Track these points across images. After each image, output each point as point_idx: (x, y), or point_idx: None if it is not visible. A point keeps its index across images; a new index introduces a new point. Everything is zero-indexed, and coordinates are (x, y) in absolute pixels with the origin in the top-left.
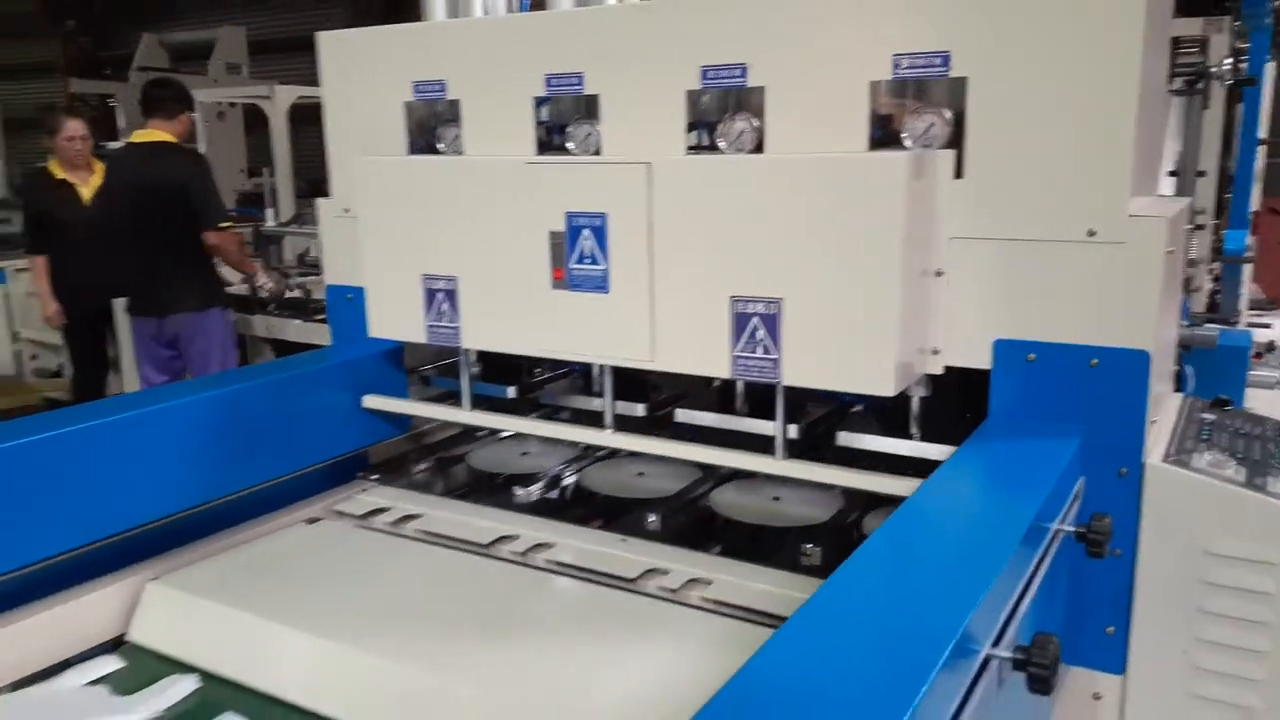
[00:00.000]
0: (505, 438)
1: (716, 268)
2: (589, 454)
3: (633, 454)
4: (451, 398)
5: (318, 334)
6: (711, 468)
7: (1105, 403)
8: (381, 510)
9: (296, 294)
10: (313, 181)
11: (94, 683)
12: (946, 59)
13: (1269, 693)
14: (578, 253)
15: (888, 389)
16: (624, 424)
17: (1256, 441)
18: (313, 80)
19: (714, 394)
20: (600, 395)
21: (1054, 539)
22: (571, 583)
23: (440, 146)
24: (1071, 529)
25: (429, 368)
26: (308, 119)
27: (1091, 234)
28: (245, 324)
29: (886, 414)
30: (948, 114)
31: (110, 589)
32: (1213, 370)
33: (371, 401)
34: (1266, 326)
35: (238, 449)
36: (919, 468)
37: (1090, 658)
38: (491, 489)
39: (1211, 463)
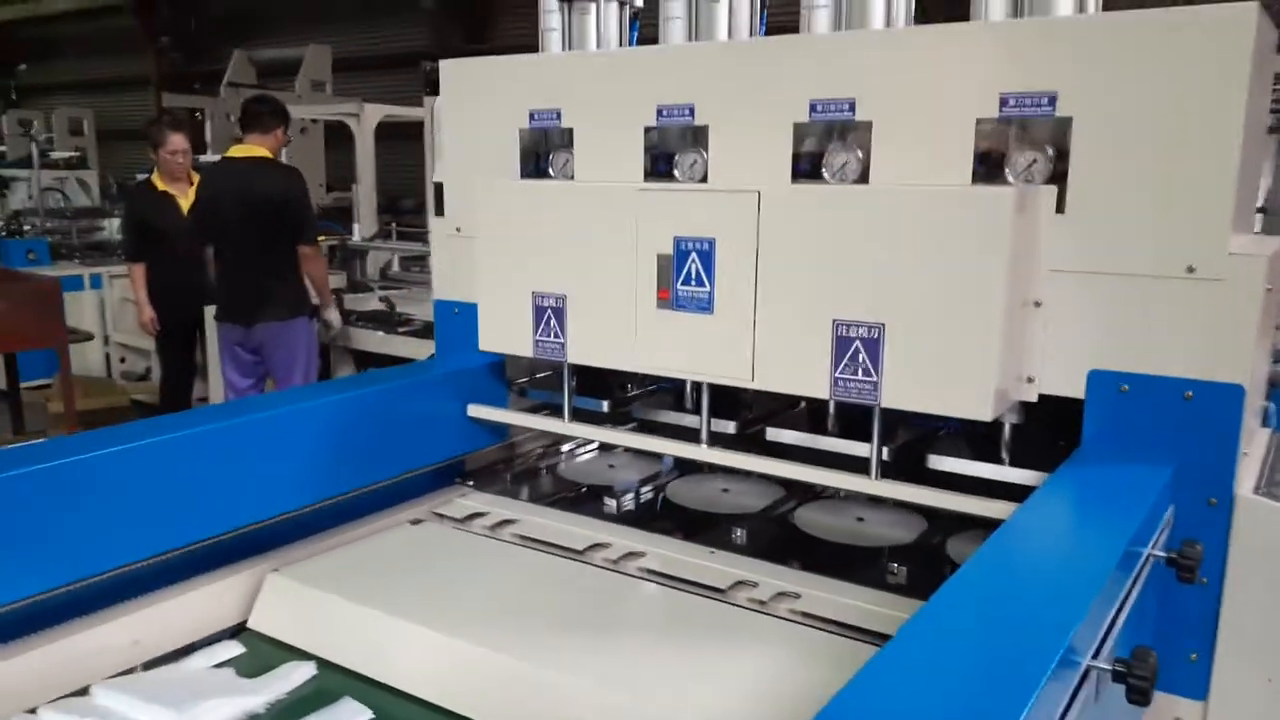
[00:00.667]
0: (593, 451)
1: (820, 292)
2: (673, 469)
3: (716, 470)
4: (546, 409)
5: (399, 346)
6: (793, 486)
7: (1198, 434)
8: (479, 515)
9: (381, 306)
10: (391, 197)
11: (219, 665)
12: (1053, 99)
13: None
14: (684, 275)
15: (985, 414)
16: (716, 440)
17: None
18: (392, 98)
19: (802, 415)
20: (690, 411)
21: (1145, 563)
22: (665, 590)
23: (550, 171)
24: (1163, 554)
25: (524, 380)
26: (389, 136)
27: (1191, 270)
28: (329, 334)
29: (976, 439)
30: (1050, 151)
31: (234, 579)
32: None
33: (477, 411)
34: None
35: (351, 452)
36: (1010, 492)
37: (1173, 683)
38: (580, 499)
39: None
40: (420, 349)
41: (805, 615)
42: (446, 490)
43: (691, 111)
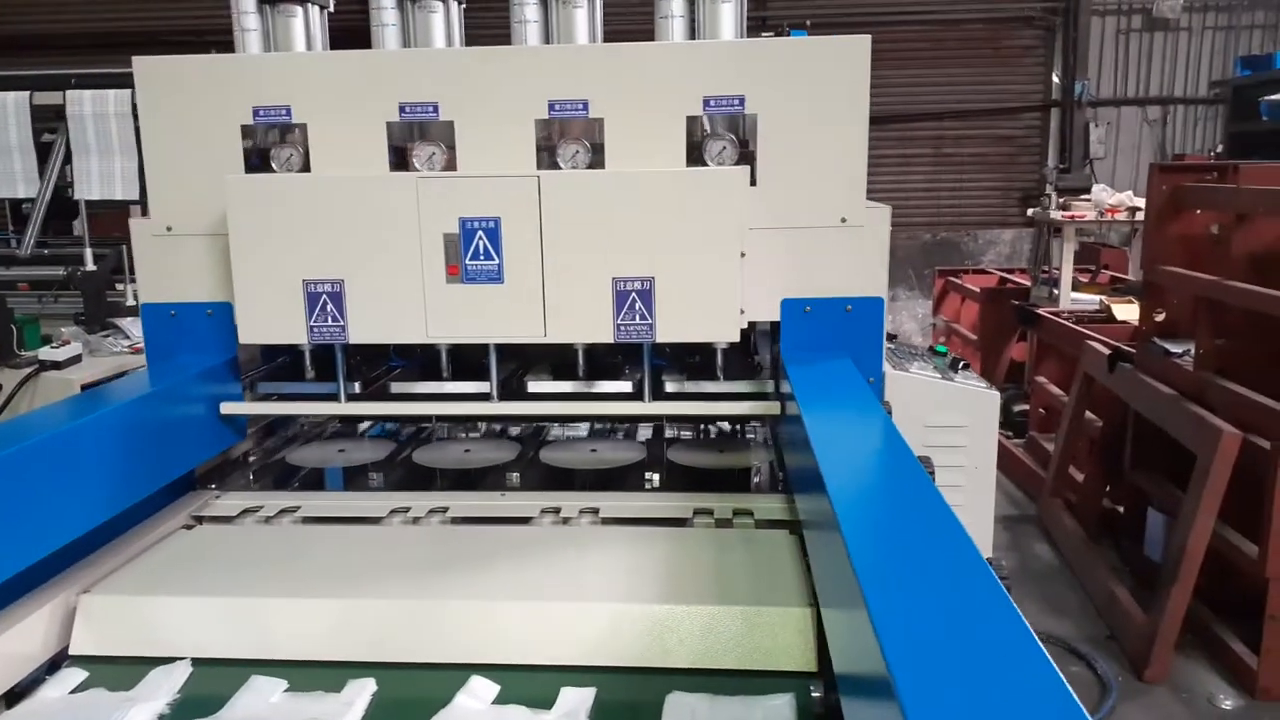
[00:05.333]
0: (316, 439)
1: (599, 257)
2: (405, 446)
3: (450, 437)
4: (284, 399)
5: None
6: (523, 437)
7: (859, 335)
8: (252, 509)
9: None
10: None
11: (73, 691)
12: (743, 100)
13: (966, 514)
14: (472, 251)
15: (735, 336)
16: (475, 399)
17: (927, 358)
18: None
19: (548, 367)
20: (444, 379)
21: None
22: (484, 528)
23: (274, 165)
24: None
25: (254, 372)
26: None
27: (843, 221)
28: None
29: (689, 367)
30: (734, 139)
31: (40, 612)
32: None
33: (230, 408)
34: None
35: (116, 471)
36: (734, 399)
37: None
38: (335, 481)
39: (919, 368)
40: None
41: (608, 519)
42: (190, 497)
43: (436, 109)
